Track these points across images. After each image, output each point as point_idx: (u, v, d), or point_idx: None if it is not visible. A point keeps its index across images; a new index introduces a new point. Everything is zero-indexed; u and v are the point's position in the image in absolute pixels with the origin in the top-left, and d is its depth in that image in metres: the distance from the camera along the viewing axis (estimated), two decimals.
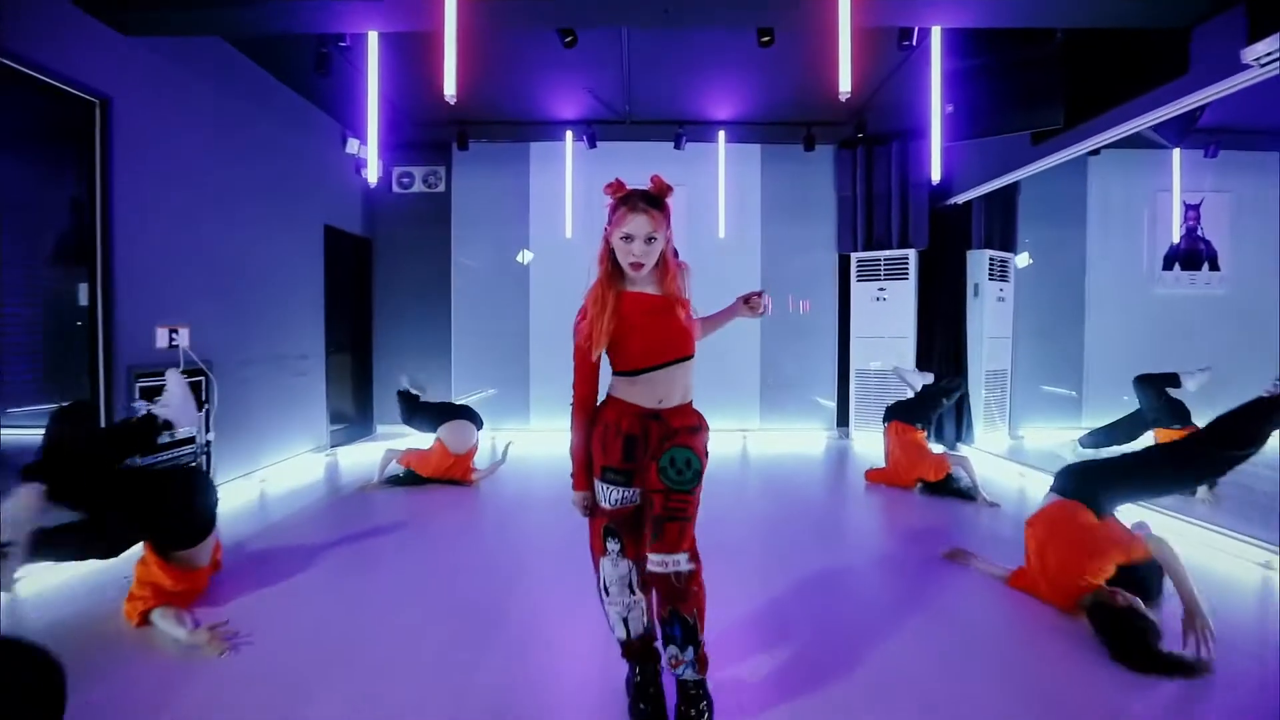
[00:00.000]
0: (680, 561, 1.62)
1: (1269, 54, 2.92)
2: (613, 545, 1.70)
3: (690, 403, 1.76)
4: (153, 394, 3.59)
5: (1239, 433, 2.39)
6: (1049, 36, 3.76)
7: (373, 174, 4.45)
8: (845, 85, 2.95)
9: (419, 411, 4.69)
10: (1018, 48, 3.84)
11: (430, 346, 6.29)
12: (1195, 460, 2.46)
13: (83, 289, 3.33)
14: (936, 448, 4.96)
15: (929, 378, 4.96)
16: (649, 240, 1.61)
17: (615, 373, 1.72)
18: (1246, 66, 3.03)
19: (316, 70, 4.08)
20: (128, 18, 3.30)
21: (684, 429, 1.69)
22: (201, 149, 4.01)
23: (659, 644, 1.76)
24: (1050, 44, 3.77)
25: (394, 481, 4.38)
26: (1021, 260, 6.24)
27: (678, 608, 1.63)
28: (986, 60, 3.95)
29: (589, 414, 1.72)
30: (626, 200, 1.63)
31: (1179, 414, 4.50)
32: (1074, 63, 3.86)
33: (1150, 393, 4.65)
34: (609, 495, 1.68)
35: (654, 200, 1.64)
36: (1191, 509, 3.49)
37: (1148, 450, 2.71)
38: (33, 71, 2.97)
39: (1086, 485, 2.46)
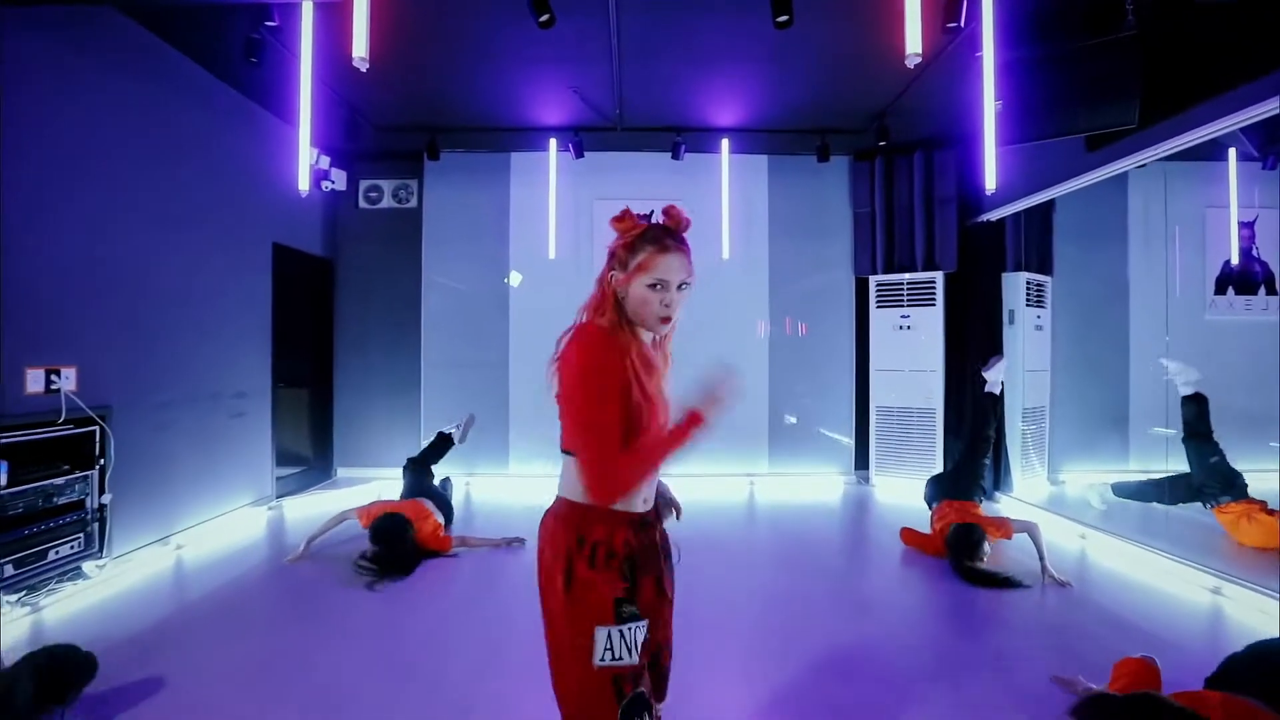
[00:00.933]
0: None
1: None
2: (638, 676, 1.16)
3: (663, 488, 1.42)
4: (21, 452, 2.87)
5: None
6: (1121, 17, 3.11)
7: (304, 181, 3.74)
8: (914, 45, 2.27)
9: (431, 460, 4.08)
10: (1083, 32, 3.19)
11: (398, 379, 5.59)
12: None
13: None
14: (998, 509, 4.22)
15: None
16: (681, 287, 1.27)
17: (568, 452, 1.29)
18: None
19: (246, 58, 3.41)
20: None
21: (665, 541, 1.38)
22: (109, 147, 3.32)
23: None
24: (1123, 27, 3.12)
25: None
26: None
27: None
28: (1044, 48, 3.29)
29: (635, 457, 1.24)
30: (656, 239, 1.26)
31: (1228, 482, 3.79)
32: (1151, 51, 3.21)
33: (1198, 452, 4.01)
34: (637, 638, 1.17)
35: (682, 239, 1.31)
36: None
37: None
38: None
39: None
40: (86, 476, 3.21)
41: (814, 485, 5.47)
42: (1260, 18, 2.83)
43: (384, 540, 3.26)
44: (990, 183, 3.40)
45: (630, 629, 1.16)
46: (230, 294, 4.33)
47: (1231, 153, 5.26)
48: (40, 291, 2.98)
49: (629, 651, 1.15)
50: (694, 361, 1.46)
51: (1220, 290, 5.77)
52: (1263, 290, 5.79)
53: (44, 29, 2.96)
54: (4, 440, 2.80)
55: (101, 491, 3.27)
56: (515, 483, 5.36)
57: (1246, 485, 3.89)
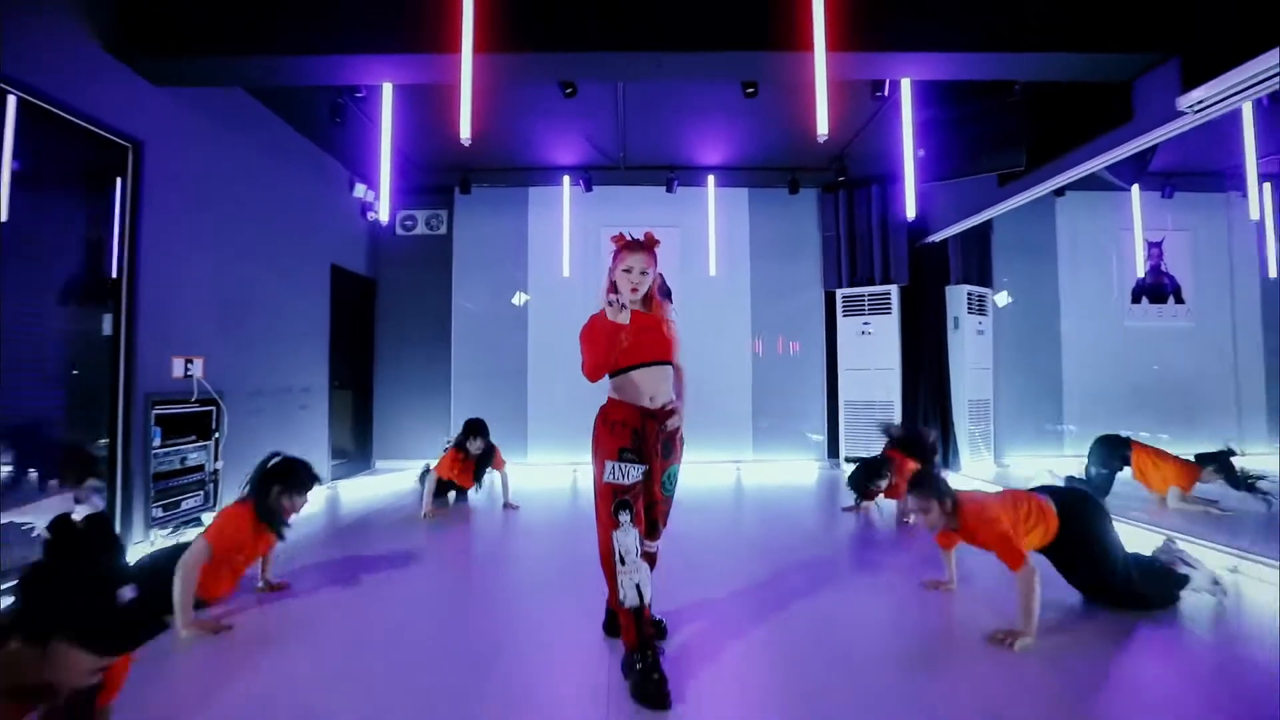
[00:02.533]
0: (658, 545, 2.29)
1: (1201, 100, 3.27)
2: (625, 517, 2.02)
3: (673, 401, 2.20)
4: (168, 422, 3.74)
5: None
6: (1009, 88, 4.13)
7: (384, 214, 4.70)
8: (823, 128, 3.25)
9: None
10: (981, 98, 4.21)
11: (429, 383, 6.45)
12: None
13: (106, 320, 3.50)
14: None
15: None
16: (643, 273, 2.13)
17: (616, 371, 2.13)
18: (1182, 113, 3.38)
19: (331, 119, 4.38)
20: (157, 68, 3.57)
21: (673, 431, 2.19)
22: (220, 192, 4.26)
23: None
24: (1010, 94, 4.14)
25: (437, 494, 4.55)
26: (1001, 299, 6.57)
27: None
28: (953, 110, 4.31)
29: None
30: (628, 245, 2.17)
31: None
32: (1033, 111, 4.23)
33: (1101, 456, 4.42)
34: (629, 473, 2.04)
35: (646, 245, 2.17)
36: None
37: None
38: (71, 116, 3.22)
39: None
40: (206, 446, 4.07)
41: (792, 470, 6.34)
42: (1097, 92, 3.86)
43: (478, 430, 4.39)
44: (910, 212, 4.40)
45: (624, 466, 2.02)
46: (301, 307, 5.23)
47: (1135, 188, 6.31)
48: (178, 300, 3.87)
49: (621, 476, 2.03)
50: (691, 359, 2.37)
51: (1136, 300, 6.78)
52: (1172, 300, 6.80)
53: (184, 101, 3.91)
54: (160, 411, 3.67)
55: (216, 459, 4.13)
56: (533, 470, 6.20)
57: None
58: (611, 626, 2.38)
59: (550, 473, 6.10)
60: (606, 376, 2.15)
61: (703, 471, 6.08)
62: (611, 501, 2.02)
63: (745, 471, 6.29)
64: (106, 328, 3.50)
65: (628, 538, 1.99)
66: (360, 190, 6.05)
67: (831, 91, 3.36)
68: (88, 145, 3.36)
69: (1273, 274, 6.01)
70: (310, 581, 3.06)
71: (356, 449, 6.35)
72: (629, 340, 2.08)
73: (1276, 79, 2.95)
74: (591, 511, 2.15)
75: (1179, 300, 6.79)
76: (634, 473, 2.04)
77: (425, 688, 2.03)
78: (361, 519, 4.42)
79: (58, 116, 3.15)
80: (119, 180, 3.54)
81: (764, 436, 6.54)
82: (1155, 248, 6.81)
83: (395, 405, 6.50)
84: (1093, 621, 2.49)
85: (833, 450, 6.50)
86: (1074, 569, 2.59)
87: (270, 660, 2.23)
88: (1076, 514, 2.51)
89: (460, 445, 4.49)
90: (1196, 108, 3.31)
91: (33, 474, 2.99)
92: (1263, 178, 6.20)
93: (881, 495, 4.31)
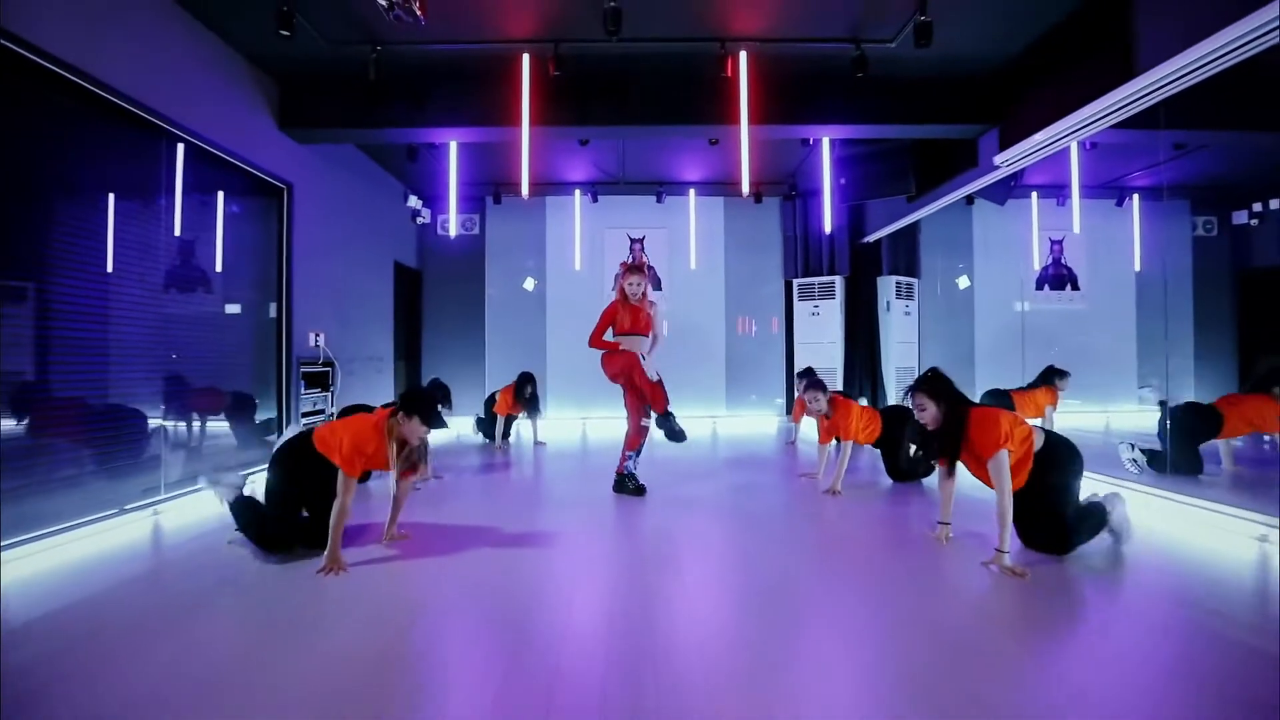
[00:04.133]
0: (652, 421, 3.91)
1: (1007, 159, 5.04)
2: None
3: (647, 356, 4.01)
4: (307, 378, 5.56)
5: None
6: (898, 141, 5.89)
7: (453, 229, 6.47)
8: (745, 188, 5.02)
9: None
10: (880, 144, 5.97)
11: (467, 356, 8.23)
12: None
13: (272, 306, 5.29)
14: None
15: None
16: (639, 283, 3.93)
17: (616, 334, 3.89)
18: (997, 166, 5.14)
19: (409, 159, 6.14)
20: (303, 134, 5.32)
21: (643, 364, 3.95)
22: (333, 213, 6.03)
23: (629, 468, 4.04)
24: (901, 142, 5.90)
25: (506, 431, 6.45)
26: (962, 283, 8.29)
27: (640, 442, 4.02)
28: (861, 151, 6.07)
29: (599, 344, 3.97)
30: (630, 268, 4.02)
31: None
32: (917, 154, 5.99)
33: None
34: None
35: (639, 268, 3.97)
36: (1184, 488, 3.77)
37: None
38: (248, 167, 4.97)
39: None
40: (326, 394, 5.88)
41: (757, 422, 8.16)
42: (955, 145, 5.62)
43: (531, 379, 6.33)
44: (827, 227, 6.17)
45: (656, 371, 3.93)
46: (375, 295, 7.01)
47: (1034, 194, 8.04)
48: (312, 291, 5.65)
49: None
50: (674, 335, 4.18)
51: (1039, 287, 8.54)
52: (1069, 287, 8.56)
53: (315, 153, 5.66)
54: (304, 370, 5.48)
55: (331, 404, 5.95)
56: (550, 424, 8.00)
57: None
58: (618, 485, 4.16)
59: (564, 425, 7.92)
60: (612, 337, 3.97)
61: (685, 426, 7.90)
62: (662, 386, 3.94)
63: (720, 425, 8.11)
64: (272, 312, 5.30)
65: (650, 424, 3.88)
66: (413, 201, 7.78)
67: (771, 140, 5.08)
68: (261, 187, 5.13)
69: (1136, 268, 7.78)
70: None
71: None
72: (628, 322, 3.90)
73: (1045, 150, 4.71)
74: (595, 450, 3.97)
75: (1075, 288, 8.55)
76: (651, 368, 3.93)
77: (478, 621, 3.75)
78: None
79: (236, 165, 4.92)
80: (281, 209, 5.32)
81: (735, 399, 8.37)
82: (1056, 244, 8.54)
83: (440, 373, 8.26)
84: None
85: (789, 407, 8.30)
86: (1034, 506, 2.73)
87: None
88: (1059, 457, 2.62)
89: (519, 389, 6.34)
90: (1005, 163, 5.07)
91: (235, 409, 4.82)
92: (1135, 189, 7.99)
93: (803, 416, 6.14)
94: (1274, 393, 4.14)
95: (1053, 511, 2.67)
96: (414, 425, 2.76)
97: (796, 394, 6.07)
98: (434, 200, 8.20)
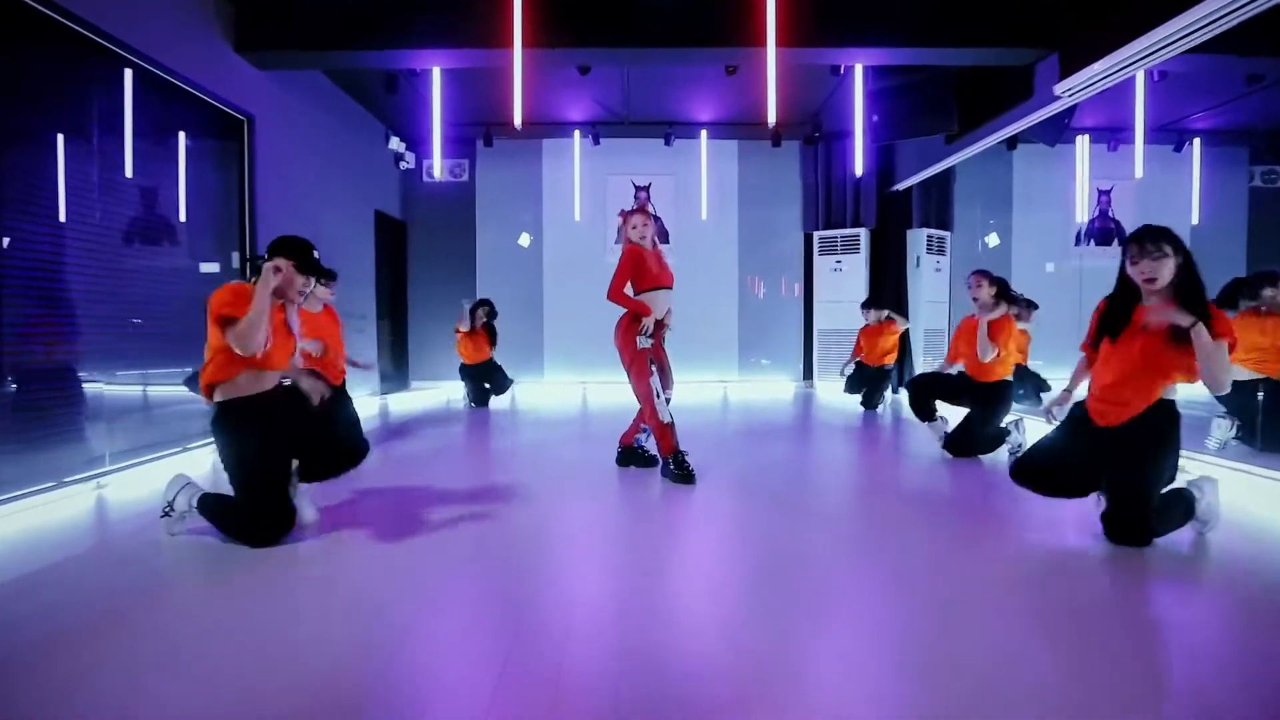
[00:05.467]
0: (673, 393, 3.57)
1: (1069, 88, 4.58)
2: (653, 367, 3.43)
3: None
4: None
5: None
6: (942, 69, 5.40)
7: (438, 171, 6.05)
8: (771, 117, 4.58)
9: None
10: (919, 74, 5.49)
11: (456, 312, 7.84)
12: None
13: (235, 256, 4.91)
14: None
15: None
16: (645, 224, 3.46)
17: (640, 291, 3.43)
18: (1058, 96, 4.69)
19: (386, 91, 5.67)
20: (264, 57, 4.85)
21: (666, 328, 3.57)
22: (302, 153, 5.59)
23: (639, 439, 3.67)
24: (944, 71, 5.42)
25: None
26: (991, 240, 7.88)
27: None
28: (898, 83, 5.59)
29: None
30: (632, 212, 3.53)
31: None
32: (962, 86, 5.51)
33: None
34: (647, 344, 3.43)
35: (640, 208, 3.59)
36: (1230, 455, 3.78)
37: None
38: (203, 95, 4.53)
39: None
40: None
41: (772, 388, 7.86)
42: (1007, 74, 5.14)
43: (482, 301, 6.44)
44: (858, 168, 5.72)
45: (644, 339, 3.43)
46: (355, 246, 6.63)
47: (1084, 141, 7.56)
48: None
49: (648, 342, 3.45)
50: (683, 294, 3.79)
51: (1081, 242, 8.12)
52: (1116, 242, 8.14)
53: (279, 83, 5.20)
54: None
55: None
56: (549, 387, 7.70)
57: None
58: (623, 458, 3.78)
59: (563, 389, 7.63)
60: (631, 292, 3.51)
61: (695, 390, 7.60)
62: (646, 359, 3.43)
63: (731, 390, 7.79)
64: (235, 262, 4.91)
65: (655, 380, 3.43)
66: (395, 143, 7.32)
67: (797, 70, 4.63)
68: (219, 121, 4.69)
69: (1194, 220, 7.35)
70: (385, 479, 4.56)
71: (395, 371, 7.82)
72: (655, 270, 3.44)
73: (1112, 77, 4.26)
74: (596, 421, 3.61)
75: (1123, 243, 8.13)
76: (647, 342, 3.46)
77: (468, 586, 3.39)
78: (406, 424, 5.94)
79: (188, 92, 4.48)
80: (243, 146, 4.89)
81: (748, 362, 8.04)
82: (1104, 195, 8.10)
83: (427, 333, 7.94)
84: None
85: (807, 372, 7.99)
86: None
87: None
88: (1168, 422, 2.35)
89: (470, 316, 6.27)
90: (1067, 93, 4.62)
91: None
92: (1194, 133, 7.51)
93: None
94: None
95: (1145, 493, 2.31)
96: (289, 273, 2.47)
97: (867, 320, 6.25)
98: (419, 143, 7.73)
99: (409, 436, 5.06)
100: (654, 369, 3.41)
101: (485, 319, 6.46)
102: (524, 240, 7.81)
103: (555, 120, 7.38)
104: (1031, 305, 5.69)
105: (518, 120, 4.54)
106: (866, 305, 6.37)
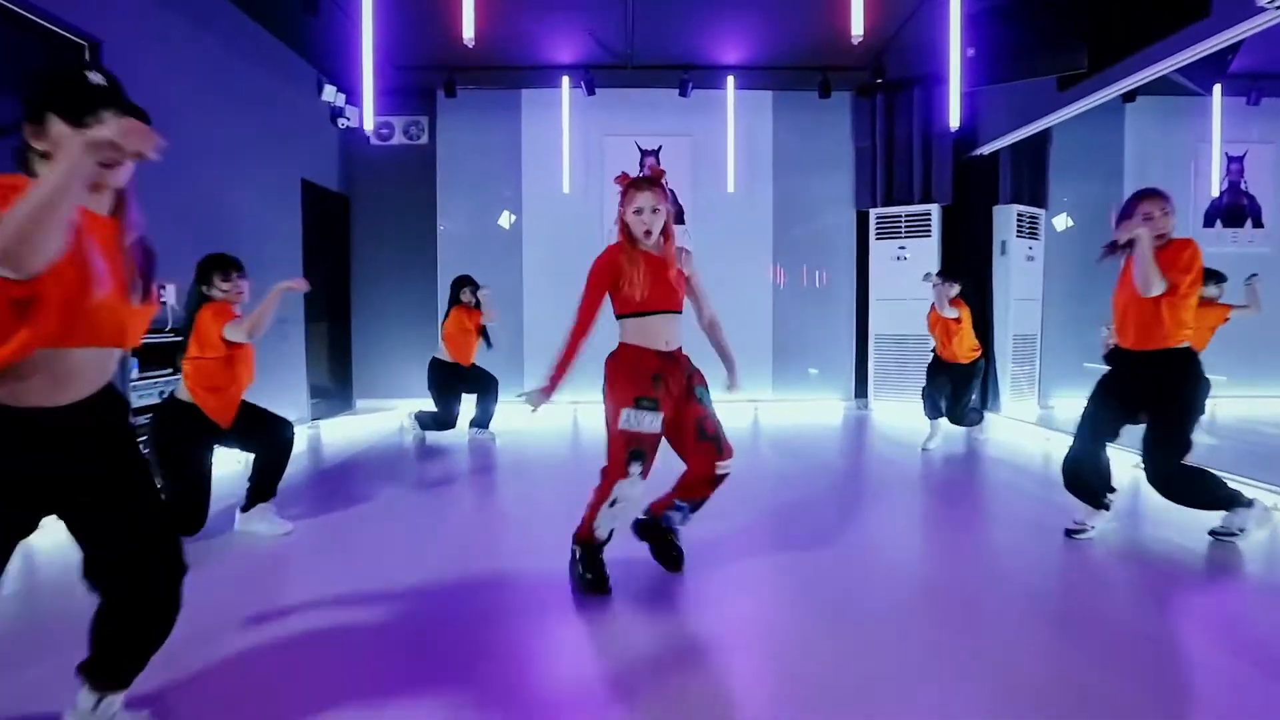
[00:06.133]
0: (731, 463, 2.47)
1: None
2: (636, 468, 2.29)
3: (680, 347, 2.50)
4: (150, 356, 4.04)
5: None
6: None
7: (369, 120, 4.86)
8: (858, 27, 3.39)
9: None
10: None
11: (415, 312, 6.70)
12: None
13: None
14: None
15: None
16: (654, 210, 2.35)
17: (621, 316, 2.39)
18: (1262, 9, 3.50)
19: (304, 10, 4.48)
20: None
21: (695, 368, 2.52)
22: (183, 96, 4.40)
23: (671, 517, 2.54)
24: None
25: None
26: (1060, 223, 6.75)
27: (707, 493, 2.49)
28: (1007, 2, 4.40)
29: (585, 337, 2.41)
30: (634, 183, 2.39)
31: None
32: (1097, 5, 4.32)
33: None
34: (646, 421, 2.29)
35: (653, 181, 2.39)
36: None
37: None
38: (22, 10, 3.35)
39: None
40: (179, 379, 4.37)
41: (816, 410, 6.71)
42: None
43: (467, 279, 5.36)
44: (954, 121, 4.56)
45: (640, 414, 2.27)
46: (271, 226, 5.44)
47: (1216, 89, 6.38)
48: (151, 220, 4.09)
49: (638, 424, 2.27)
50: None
51: (1209, 224, 6.95)
52: (1250, 223, 6.98)
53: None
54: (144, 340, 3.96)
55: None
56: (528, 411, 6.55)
57: None
58: (644, 532, 2.62)
59: (549, 412, 6.35)
60: (617, 320, 2.43)
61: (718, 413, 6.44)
62: (625, 450, 2.28)
63: (764, 412, 6.64)
64: None
65: (633, 489, 2.30)
66: (330, 93, 6.14)
67: None
68: (41, 45, 3.51)
69: None
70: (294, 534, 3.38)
71: (336, 387, 6.70)
72: (645, 290, 2.34)
73: None
74: (596, 459, 2.45)
75: (1257, 224, 6.96)
76: (650, 421, 2.29)
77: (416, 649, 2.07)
78: (345, 463, 4.82)
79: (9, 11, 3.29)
80: None
81: (785, 375, 6.88)
82: (1235, 163, 6.93)
83: (376, 339, 6.82)
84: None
85: (860, 389, 6.84)
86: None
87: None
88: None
89: (455, 300, 5.19)
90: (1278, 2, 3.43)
91: None
92: None
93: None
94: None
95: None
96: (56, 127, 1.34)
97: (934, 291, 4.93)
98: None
99: (339, 491, 3.99)
100: (640, 466, 2.32)
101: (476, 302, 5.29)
102: (505, 220, 6.70)
103: (536, 63, 6.24)
104: (1218, 276, 4.83)
105: (468, 32, 3.34)
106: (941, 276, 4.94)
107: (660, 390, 2.32)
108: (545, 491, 4.03)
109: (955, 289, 4.84)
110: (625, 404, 2.28)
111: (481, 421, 5.41)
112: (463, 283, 5.27)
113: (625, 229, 2.39)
